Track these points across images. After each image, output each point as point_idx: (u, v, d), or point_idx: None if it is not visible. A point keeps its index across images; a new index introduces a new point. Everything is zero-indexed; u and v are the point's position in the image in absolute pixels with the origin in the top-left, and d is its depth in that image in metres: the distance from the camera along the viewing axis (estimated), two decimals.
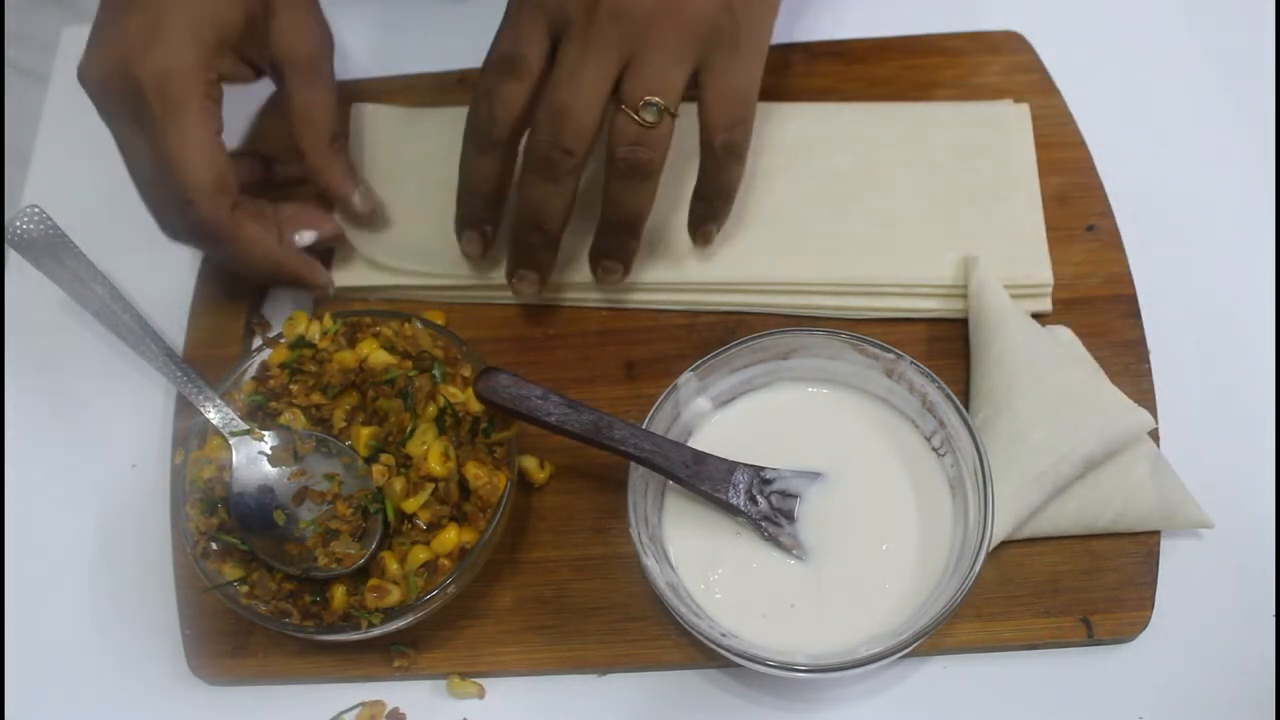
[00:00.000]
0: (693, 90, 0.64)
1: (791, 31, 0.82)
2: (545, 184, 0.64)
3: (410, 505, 0.61)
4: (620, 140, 0.63)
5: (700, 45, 0.62)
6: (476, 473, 0.62)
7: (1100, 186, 0.74)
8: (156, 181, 0.65)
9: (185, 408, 0.70)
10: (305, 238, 0.72)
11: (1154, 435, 0.65)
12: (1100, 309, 0.70)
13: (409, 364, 0.65)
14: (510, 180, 0.68)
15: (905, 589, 0.60)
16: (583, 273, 0.72)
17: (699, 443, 0.64)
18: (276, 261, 0.69)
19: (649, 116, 0.62)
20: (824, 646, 0.58)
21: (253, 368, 0.67)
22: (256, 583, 0.62)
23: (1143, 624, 0.62)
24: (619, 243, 0.68)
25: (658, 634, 0.64)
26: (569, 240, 0.74)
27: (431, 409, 0.64)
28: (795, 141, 0.75)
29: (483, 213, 0.69)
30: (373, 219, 0.73)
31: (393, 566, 0.61)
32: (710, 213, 0.69)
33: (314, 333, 0.66)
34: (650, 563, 0.59)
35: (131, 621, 0.67)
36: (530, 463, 0.68)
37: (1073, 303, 0.70)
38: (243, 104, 0.83)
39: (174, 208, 0.65)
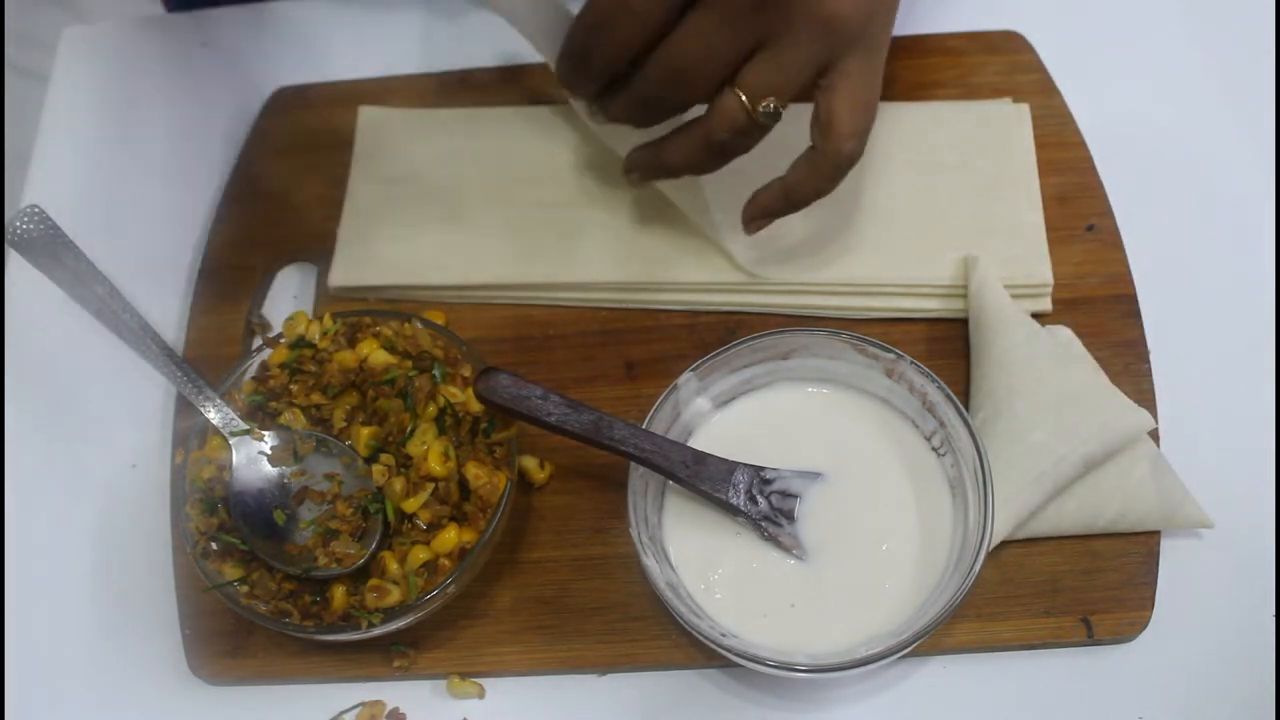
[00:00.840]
0: None
1: None
2: (641, 116, 0.63)
3: (410, 505, 0.61)
4: (724, 124, 0.60)
5: (836, 43, 0.59)
6: (476, 473, 0.62)
7: (1100, 186, 0.74)
8: None
9: (185, 408, 0.70)
10: None
11: (1154, 435, 0.65)
12: (1100, 309, 0.70)
13: (409, 364, 0.65)
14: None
15: (905, 589, 0.60)
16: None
17: (699, 443, 0.64)
18: None
19: (764, 118, 0.60)
20: (824, 646, 0.58)
21: (253, 368, 0.67)
22: (256, 583, 0.62)
23: (1143, 624, 0.62)
24: (653, 170, 0.67)
25: (658, 634, 0.64)
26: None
27: (431, 409, 0.64)
28: (795, 141, 0.75)
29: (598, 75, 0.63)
30: None
31: (393, 566, 0.61)
32: (787, 210, 0.65)
33: (314, 333, 0.66)
34: (650, 563, 0.59)
35: (131, 621, 0.67)
36: (530, 463, 0.68)
37: (1073, 303, 0.70)
38: (244, 104, 0.83)
39: None
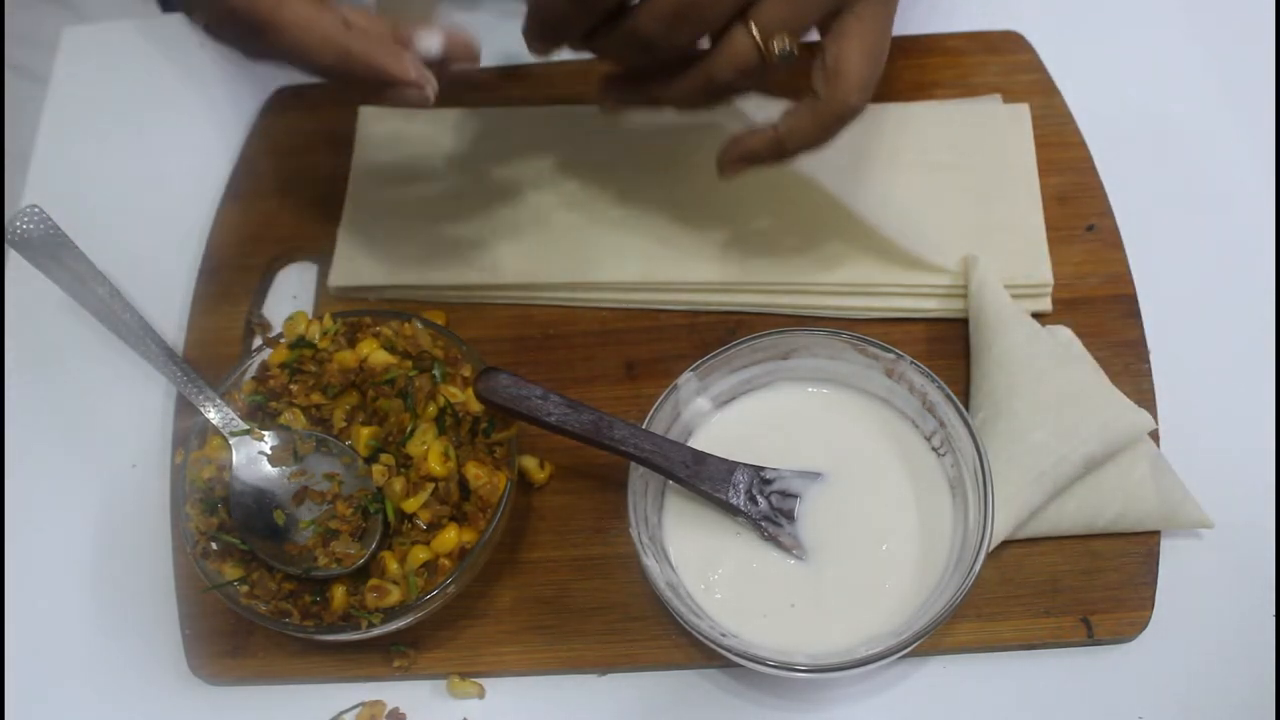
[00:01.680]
0: None
1: None
2: (634, 55, 0.59)
3: (410, 505, 0.61)
4: (732, 63, 0.56)
5: None
6: (476, 473, 0.62)
7: (1100, 186, 0.74)
8: None
9: (185, 408, 0.70)
10: (428, 42, 0.58)
11: (1154, 435, 0.65)
12: (1100, 309, 0.70)
13: (409, 364, 0.65)
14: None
15: (905, 589, 0.60)
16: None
17: (699, 443, 0.64)
18: (344, 49, 0.55)
19: (778, 58, 0.55)
20: (824, 646, 0.58)
21: (253, 368, 0.67)
22: (256, 583, 0.62)
23: (1143, 624, 0.62)
24: (634, 102, 0.63)
25: (658, 634, 0.64)
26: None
27: (431, 409, 0.64)
28: None
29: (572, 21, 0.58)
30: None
31: (393, 566, 0.61)
32: (773, 160, 0.61)
33: (314, 333, 0.66)
34: (650, 563, 0.59)
35: (131, 621, 0.67)
36: (530, 463, 0.68)
37: (1073, 303, 0.70)
38: (244, 104, 0.83)
39: None
